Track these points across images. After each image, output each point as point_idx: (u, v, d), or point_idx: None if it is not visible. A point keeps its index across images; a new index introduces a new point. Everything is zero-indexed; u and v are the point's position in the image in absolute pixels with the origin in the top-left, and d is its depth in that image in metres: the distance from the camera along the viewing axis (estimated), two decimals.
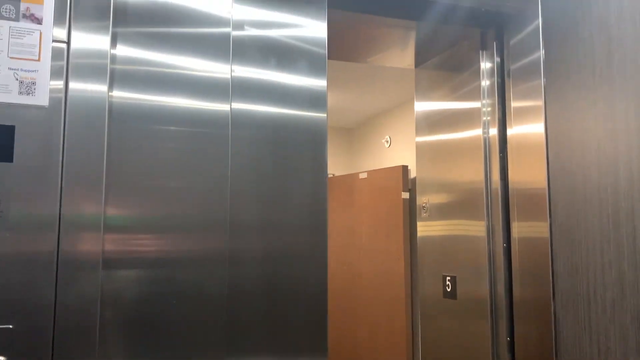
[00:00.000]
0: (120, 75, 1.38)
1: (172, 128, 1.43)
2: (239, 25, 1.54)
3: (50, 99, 1.27)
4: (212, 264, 1.43)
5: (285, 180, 1.54)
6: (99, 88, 1.32)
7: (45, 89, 1.26)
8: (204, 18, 1.50)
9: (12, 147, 1.22)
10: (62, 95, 1.28)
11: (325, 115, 1.60)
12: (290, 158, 1.56)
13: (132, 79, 1.40)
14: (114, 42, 1.38)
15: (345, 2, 1.82)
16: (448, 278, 2.18)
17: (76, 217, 1.27)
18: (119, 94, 1.37)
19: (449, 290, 2.17)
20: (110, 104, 1.36)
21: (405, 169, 4.10)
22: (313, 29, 1.62)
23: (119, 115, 1.37)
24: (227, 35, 1.51)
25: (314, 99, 1.59)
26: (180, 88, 1.45)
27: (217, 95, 1.48)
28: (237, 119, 1.50)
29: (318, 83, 1.60)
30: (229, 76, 1.50)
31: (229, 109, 1.49)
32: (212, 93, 1.48)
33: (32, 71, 1.24)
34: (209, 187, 1.44)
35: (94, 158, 1.30)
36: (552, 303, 1.68)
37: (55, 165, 1.26)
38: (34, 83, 1.24)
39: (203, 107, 1.47)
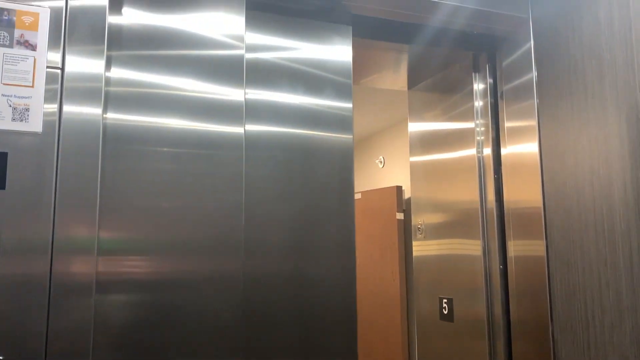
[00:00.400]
0: (119, 98, 1.39)
1: (177, 150, 1.44)
2: (253, 49, 1.62)
3: (44, 123, 1.26)
4: (225, 287, 1.41)
5: (310, 202, 1.59)
6: (93, 111, 1.32)
7: (39, 115, 1.25)
8: (217, 42, 1.53)
9: (4, 174, 1.21)
10: (56, 118, 1.27)
11: (351, 137, 1.68)
12: (318, 179, 1.62)
13: (131, 102, 1.41)
14: (108, 65, 1.38)
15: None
16: (445, 300, 2.16)
17: (69, 242, 1.26)
18: (117, 117, 1.38)
19: (445, 312, 2.15)
20: (106, 126, 1.36)
21: (399, 189, 4.11)
22: (338, 55, 1.73)
23: (118, 137, 1.37)
24: (241, 58, 1.54)
25: (341, 122, 1.69)
26: (188, 110, 1.47)
27: (229, 118, 1.50)
28: (252, 141, 1.55)
29: (344, 106, 1.71)
30: (242, 99, 1.52)
31: (242, 131, 1.51)
32: (224, 115, 1.50)
33: (26, 97, 1.24)
34: (220, 209, 1.45)
35: (88, 181, 1.29)
36: (550, 325, 1.67)
37: (48, 190, 1.25)
38: (27, 109, 1.23)
39: (212, 129, 1.48)
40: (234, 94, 1.52)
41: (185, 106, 1.47)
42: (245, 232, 1.46)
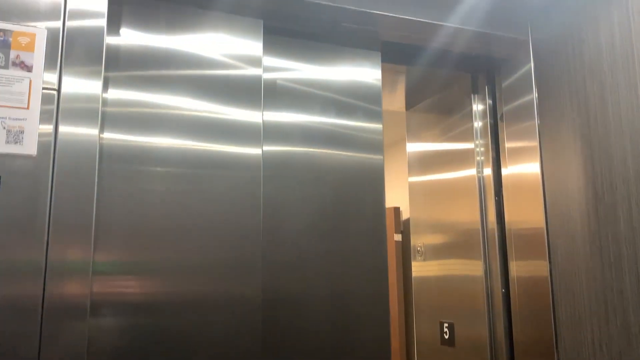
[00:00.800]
0: (122, 118, 1.38)
1: (185, 171, 1.44)
2: (270, 70, 1.65)
3: (39, 145, 1.23)
4: (241, 310, 1.40)
5: (338, 222, 1.63)
6: (89, 132, 1.29)
7: (34, 137, 1.22)
8: (237, 60, 1.56)
9: None
10: (52, 139, 1.25)
11: (381, 157, 1.73)
12: (346, 199, 1.65)
13: (137, 122, 1.41)
14: (106, 86, 1.37)
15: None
16: (446, 325, 2.12)
17: (63, 265, 1.22)
18: (122, 138, 1.38)
19: (446, 337, 2.11)
20: (104, 147, 1.34)
21: (397, 210, 4.08)
22: (367, 79, 1.78)
23: (120, 158, 1.36)
24: (259, 80, 1.57)
25: (372, 143, 1.73)
26: (208, 131, 1.48)
27: (246, 138, 1.52)
28: (271, 161, 1.58)
29: (375, 127, 1.75)
30: (260, 120, 1.54)
31: (260, 151, 1.52)
32: (240, 136, 1.52)
33: (21, 119, 1.21)
34: (235, 230, 1.45)
35: (83, 203, 1.26)
36: (555, 352, 1.64)
37: (42, 212, 1.22)
38: (22, 132, 1.20)
39: (227, 151, 1.49)
40: (251, 115, 1.53)
41: (197, 127, 1.47)
42: (263, 251, 1.47)
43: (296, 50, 1.71)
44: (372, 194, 1.70)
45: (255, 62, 1.57)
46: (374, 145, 1.74)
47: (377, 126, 1.75)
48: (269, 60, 1.67)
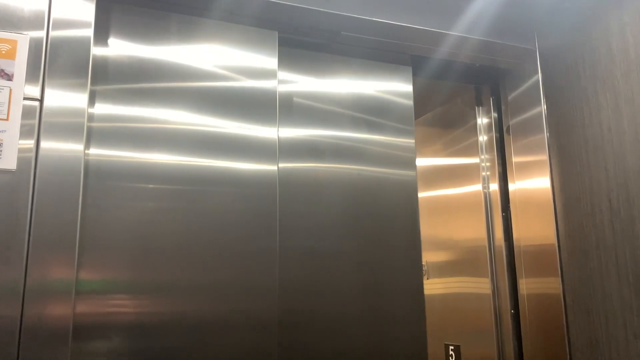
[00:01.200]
0: (115, 133, 1.32)
1: (189, 188, 1.38)
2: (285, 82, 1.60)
3: (19, 160, 1.16)
4: (253, 335, 1.34)
5: (370, 239, 1.57)
6: (74, 147, 1.22)
7: (14, 150, 1.15)
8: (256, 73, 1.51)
9: None
10: (32, 155, 1.18)
11: (414, 173, 1.67)
12: (380, 217, 1.60)
13: (131, 137, 1.34)
14: (92, 100, 1.30)
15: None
16: (451, 347, 2.03)
17: (43, 285, 1.14)
18: (111, 153, 1.31)
19: None
20: (89, 163, 1.27)
21: None
22: (399, 94, 1.73)
23: (105, 174, 1.29)
24: (274, 95, 1.51)
25: (405, 161, 1.67)
26: (214, 147, 1.42)
27: (260, 155, 1.46)
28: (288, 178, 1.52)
29: (408, 142, 1.70)
30: (275, 136, 1.48)
31: (276, 168, 1.46)
32: (256, 152, 1.46)
33: (0, 131, 1.14)
34: (247, 251, 1.39)
35: (66, 220, 1.19)
36: None
37: (21, 230, 1.15)
38: (0, 144, 1.13)
39: (238, 168, 1.43)
40: (266, 131, 1.47)
41: (202, 143, 1.41)
42: (280, 272, 1.41)
43: (315, 64, 1.65)
44: (405, 212, 1.64)
45: (268, 74, 1.51)
46: (406, 161, 1.68)
47: (410, 141, 1.70)
48: (285, 74, 1.59)
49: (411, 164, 1.68)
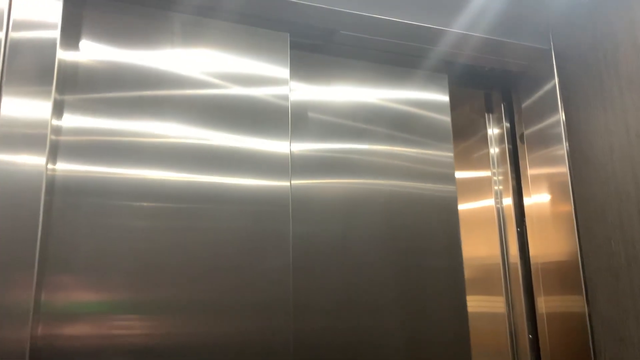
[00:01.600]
0: (86, 147, 1.17)
1: (175, 206, 1.21)
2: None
3: None
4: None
5: (409, 259, 1.48)
6: (34, 161, 1.09)
7: None
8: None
9: None
10: None
11: (454, 188, 1.59)
12: (421, 234, 1.51)
13: (109, 151, 1.20)
14: (58, 110, 1.16)
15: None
16: None
17: None
18: (73, 168, 1.16)
19: None
20: (52, 179, 1.13)
21: None
22: (436, 104, 1.65)
23: (72, 191, 1.15)
24: (286, 110, 1.38)
25: (445, 176, 1.59)
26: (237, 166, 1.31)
27: (269, 170, 1.33)
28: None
29: (446, 155, 1.62)
30: (288, 151, 1.35)
31: (288, 184, 1.33)
32: (270, 170, 1.33)
33: None
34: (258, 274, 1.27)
35: (24, 238, 1.05)
36: None
37: None
38: None
39: (249, 184, 1.30)
40: (278, 146, 1.35)
41: (198, 157, 1.27)
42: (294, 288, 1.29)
43: (330, 70, 1.52)
44: (443, 231, 1.54)
45: (278, 82, 1.38)
46: (445, 176, 1.58)
47: (448, 154, 1.61)
48: (296, 84, 1.47)
49: (451, 179, 1.59)
